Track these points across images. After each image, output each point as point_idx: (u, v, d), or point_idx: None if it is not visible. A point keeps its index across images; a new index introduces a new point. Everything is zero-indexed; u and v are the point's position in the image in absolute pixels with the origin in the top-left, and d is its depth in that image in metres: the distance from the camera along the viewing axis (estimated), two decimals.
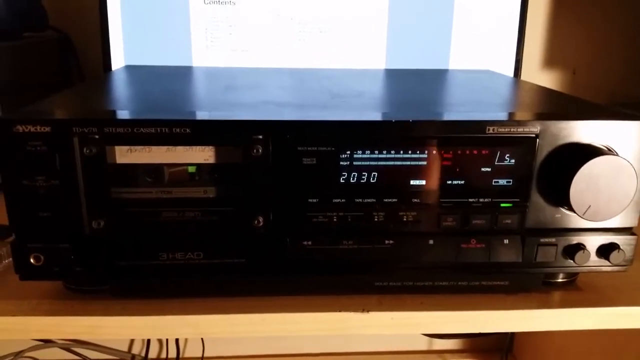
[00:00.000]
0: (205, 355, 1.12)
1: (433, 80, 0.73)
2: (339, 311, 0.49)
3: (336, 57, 0.85)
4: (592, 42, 1.00)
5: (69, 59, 0.94)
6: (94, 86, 0.64)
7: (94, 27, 0.85)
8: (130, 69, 0.76)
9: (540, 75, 1.01)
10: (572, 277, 0.54)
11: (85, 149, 0.43)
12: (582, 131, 0.46)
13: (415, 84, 0.69)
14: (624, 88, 1.02)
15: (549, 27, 0.99)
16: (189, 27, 0.82)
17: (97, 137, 0.43)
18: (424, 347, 1.19)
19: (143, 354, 1.12)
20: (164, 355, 1.13)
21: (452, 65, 0.86)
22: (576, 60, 1.01)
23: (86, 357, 1.11)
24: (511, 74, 0.87)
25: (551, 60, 1.01)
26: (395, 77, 0.74)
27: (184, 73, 0.72)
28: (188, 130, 0.43)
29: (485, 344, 1.18)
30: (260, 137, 0.44)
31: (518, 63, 0.88)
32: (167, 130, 0.43)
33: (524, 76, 0.90)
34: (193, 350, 1.13)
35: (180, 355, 1.12)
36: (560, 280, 0.54)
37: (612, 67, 1.02)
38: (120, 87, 0.63)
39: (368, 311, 0.49)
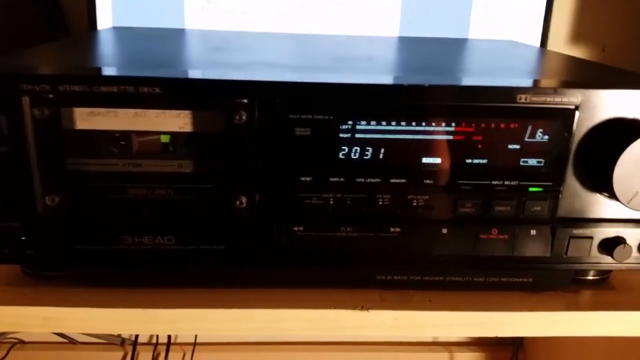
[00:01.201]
0: (197, 341, 1.06)
1: (452, 47, 0.66)
2: (334, 308, 0.42)
3: (344, 24, 0.77)
4: (624, 17, 0.93)
5: (57, 20, 0.87)
6: (66, 45, 0.57)
7: None
8: (115, 30, 0.69)
9: (566, 51, 0.93)
10: (604, 274, 0.48)
11: (36, 111, 0.37)
12: (631, 103, 0.39)
13: (432, 50, 0.62)
14: None
15: None
16: None
17: (50, 96, 0.37)
18: (429, 339, 1.13)
19: (133, 338, 1.07)
20: (154, 340, 1.07)
21: (472, 37, 0.79)
22: (606, 36, 0.94)
23: (74, 339, 1.06)
24: None
25: (579, 35, 0.93)
26: (409, 44, 0.67)
27: (171, 35, 0.65)
28: (157, 90, 0.36)
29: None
30: (245, 101, 0.37)
31: (544, 36, 0.80)
32: (132, 89, 0.36)
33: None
34: (185, 335, 1.07)
35: (172, 341, 1.06)
36: (590, 277, 0.47)
37: None
38: (97, 47, 0.56)
39: (368, 309, 0.43)
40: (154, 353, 1.06)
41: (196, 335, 1.06)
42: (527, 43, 0.78)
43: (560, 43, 0.92)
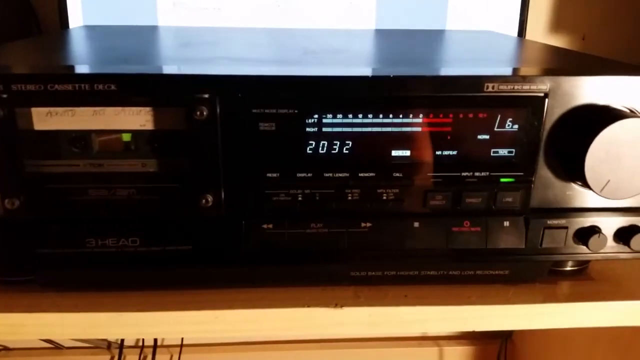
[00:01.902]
0: (184, 342, 1.05)
1: (426, 39, 0.65)
2: (307, 307, 0.41)
3: (319, 17, 0.76)
4: (604, 6, 0.92)
5: (29, 21, 0.86)
6: (31, 44, 0.55)
7: None
8: (86, 28, 0.67)
9: (546, 41, 0.92)
10: (582, 264, 0.47)
11: None
12: (600, 90, 0.38)
13: (405, 42, 0.61)
14: (638, 57, 0.93)
15: None
16: None
17: (4, 96, 0.35)
18: (418, 333, 1.13)
19: (119, 341, 1.06)
20: (141, 344, 1.06)
21: (450, 27, 0.78)
22: (586, 25, 0.93)
23: (60, 344, 1.04)
24: None
25: (558, 24, 0.92)
26: (384, 36, 0.66)
27: (140, 32, 0.64)
28: (113, 87, 0.35)
29: None
30: (206, 96, 0.36)
31: (522, 25, 0.80)
32: (87, 87, 0.35)
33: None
34: (172, 337, 1.06)
35: (158, 343, 1.05)
36: (568, 268, 0.47)
37: (624, 34, 0.93)
38: (63, 45, 0.54)
39: (342, 306, 0.42)
40: (140, 356, 1.05)
41: (182, 337, 1.05)
42: (505, 33, 0.77)
43: (540, 32, 0.92)
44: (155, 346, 1.04)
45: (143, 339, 1.04)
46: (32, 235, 0.39)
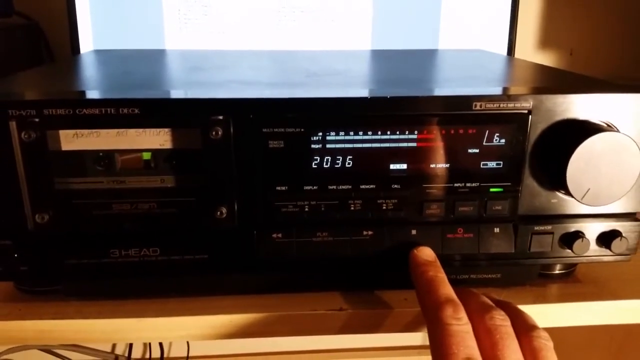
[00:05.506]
0: (190, 355, 1.08)
1: (419, 59, 0.68)
2: (314, 310, 0.44)
3: (319, 39, 0.80)
4: (590, 21, 0.96)
5: (40, 46, 0.89)
6: (50, 70, 0.59)
7: (62, 12, 0.80)
8: (96, 53, 0.71)
9: (535, 57, 0.96)
10: (570, 268, 0.50)
11: (24, 135, 0.39)
12: (579, 106, 0.42)
13: (400, 62, 0.65)
14: (624, 70, 0.97)
15: (544, 5, 0.94)
16: (161, 9, 0.77)
17: (36, 120, 0.39)
18: (418, 342, 1.15)
19: (126, 355, 1.08)
20: (147, 356, 1.09)
21: (441, 47, 0.82)
22: (573, 40, 0.97)
23: (68, 358, 1.06)
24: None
25: (546, 40, 0.96)
26: (380, 57, 0.70)
27: (151, 56, 0.67)
28: (137, 111, 0.38)
29: None
30: (220, 117, 0.39)
31: (511, 43, 0.83)
32: (113, 111, 0.38)
33: (518, 57, 0.85)
34: (178, 350, 1.09)
35: (165, 355, 1.07)
36: (557, 271, 0.50)
37: (611, 48, 0.97)
38: (79, 71, 0.58)
39: (346, 310, 0.44)
40: None
41: (188, 349, 1.07)
42: (495, 51, 0.81)
43: (529, 48, 0.95)
44: (162, 358, 1.06)
45: (150, 351, 1.07)
46: (60, 247, 0.41)
